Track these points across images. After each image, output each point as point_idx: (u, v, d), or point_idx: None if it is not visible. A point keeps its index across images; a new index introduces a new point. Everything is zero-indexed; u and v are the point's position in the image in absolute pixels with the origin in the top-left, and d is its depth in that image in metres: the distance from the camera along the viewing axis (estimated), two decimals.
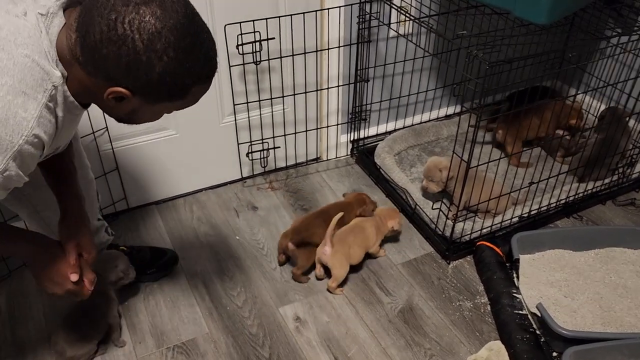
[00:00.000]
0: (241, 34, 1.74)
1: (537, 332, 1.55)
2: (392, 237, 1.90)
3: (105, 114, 1.06)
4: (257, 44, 1.77)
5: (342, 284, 1.71)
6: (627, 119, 2.00)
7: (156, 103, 0.97)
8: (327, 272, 1.71)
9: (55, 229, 1.22)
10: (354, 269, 1.76)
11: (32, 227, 1.45)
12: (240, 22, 1.72)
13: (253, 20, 1.73)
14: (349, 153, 2.30)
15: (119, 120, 1.05)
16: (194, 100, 0.99)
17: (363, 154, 2.24)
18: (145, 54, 0.86)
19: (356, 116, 2.19)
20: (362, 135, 2.26)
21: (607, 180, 2.04)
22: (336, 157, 2.28)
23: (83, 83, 0.94)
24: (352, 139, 2.26)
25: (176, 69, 0.89)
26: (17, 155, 0.90)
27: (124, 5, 0.85)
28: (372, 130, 2.30)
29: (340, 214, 1.68)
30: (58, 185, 1.23)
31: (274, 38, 1.80)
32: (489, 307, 1.66)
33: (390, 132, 2.30)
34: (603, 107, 2.16)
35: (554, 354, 1.51)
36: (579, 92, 2.43)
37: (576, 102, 2.15)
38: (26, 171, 0.96)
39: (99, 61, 0.89)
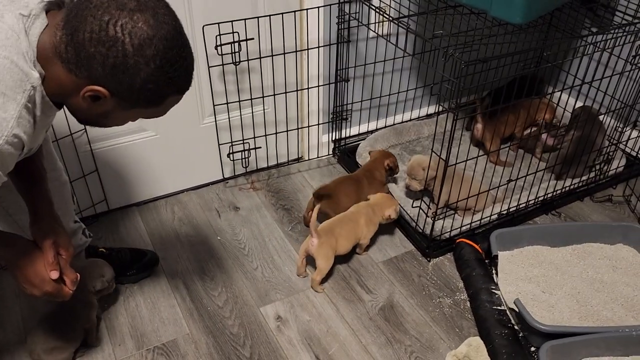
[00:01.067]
0: (220, 35, 1.74)
1: (516, 327, 1.57)
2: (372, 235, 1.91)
3: (71, 115, 1.05)
4: (236, 44, 1.77)
5: (324, 281, 1.72)
6: (602, 117, 2.04)
7: (131, 108, 0.99)
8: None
9: (28, 231, 1.21)
10: (335, 267, 1.77)
11: (5, 230, 1.44)
12: (218, 23, 1.72)
13: (232, 21, 1.73)
14: (330, 152, 2.31)
15: (86, 122, 1.06)
16: (165, 110, 1.03)
17: (345, 154, 2.25)
18: (134, 58, 0.89)
19: (337, 116, 2.20)
20: (343, 135, 2.27)
21: (584, 177, 2.07)
22: (318, 157, 2.29)
23: (61, 81, 0.95)
24: (333, 138, 2.27)
25: (159, 77, 0.93)
26: None
27: (118, 9, 0.88)
28: (354, 130, 2.31)
29: (317, 208, 1.70)
30: (28, 187, 1.22)
31: (253, 38, 1.80)
32: (468, 304, 1.68)
33: (371, 132, 2.31)
34: (579, 105, 2.20)
35: (532, 348, 1.53)
36: (555, 90, 2.47)
37: (544, 99, 2.19)
38: (5, 171, 0.97)
39: (84, 59, 0.90)
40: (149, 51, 0.89)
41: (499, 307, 1.60)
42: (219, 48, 1.75)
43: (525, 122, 2.15)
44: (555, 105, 2.26)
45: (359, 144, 2.22)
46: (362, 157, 2.13)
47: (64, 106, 1.04)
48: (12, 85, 0.90)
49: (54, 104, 1.00)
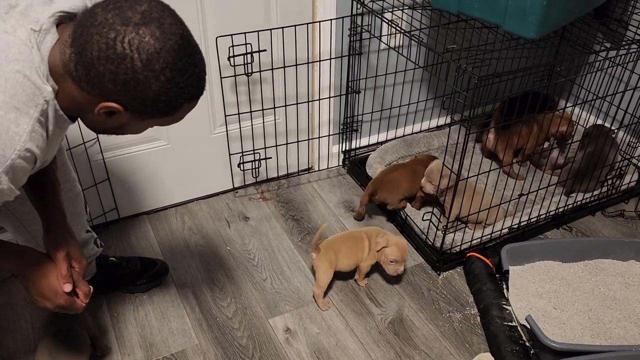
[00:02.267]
0: (233, 46, 1.75)
1: (527, 344, 1.56)
2: None
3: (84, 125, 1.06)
4: (249, 55, 1.78)
5: (327, 292, 1.71)
6: (614, 135, 2.03)
7: (146, 119, 0.99)
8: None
9: (42, 242, 1.21)
10: (345, 279, 1.76)
11: (19, 242, 1.45)
12: (232, 34, 1.73)
13: (245, 33, 1.74)
14: (340, 163, 2.31)
15: (103, 132, 1.06)
16: (181, 117, 1.02)
17: (355, 165, 2.24)
18: (143, 73, 0.88)
19: (347, 127, 2.20)
20: (353, 146, 2.27)
21: (596, 192, 2.05)
22: (328, 168, 2.29)
23: (74, 98, 0.95)
24: (343, 149, 2.27)
25: (171, 88, 0.92)
26: (9, 169, 0.91)
27: (123, 25, 0.86)
28: (364, 141, 2.31)
29: (325, 225, 1.73)
30: (41, 199, 1.23)
31: (265, 50, 1.81)
32: (478, 319, 1.67)
33: (381, 143, 2.31)
34: (593, 119, 2.19)
35: None
36: (568, 104, 2.46)
37: (565, 112, 2.17)
38: (18, 185, 0.97)
39: (94, 78, 0.90)
40: (157, 65, 0.88)
41: (510, 323, 1.59)
42: (231, 59, 1.76)
43: (538, 136, 2.14)
44: (574, 120, 2.24)
45: (369, 154, 2.22)
46: (372, 168, 2.13)
47: (78, 118, 1.04)
48: (25, 99, 0.90)
49: (68, 118, 1.01)
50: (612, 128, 2.06)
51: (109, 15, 0.87)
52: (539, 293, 1.69)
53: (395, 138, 2.33)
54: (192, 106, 1.00)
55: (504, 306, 1.64)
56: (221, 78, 1.82)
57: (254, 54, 1.79)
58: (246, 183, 2.16)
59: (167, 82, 0.90)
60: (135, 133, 1.06)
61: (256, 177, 2.13)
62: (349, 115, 2.17)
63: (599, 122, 2.21)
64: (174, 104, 0.95)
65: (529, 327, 1.52)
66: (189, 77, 0.93)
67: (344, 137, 2.24)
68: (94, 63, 0.88)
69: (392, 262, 1.68)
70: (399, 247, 1.69)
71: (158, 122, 1.01)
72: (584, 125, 2.20)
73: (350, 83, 2.08)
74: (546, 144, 2.21)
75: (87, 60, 0.89)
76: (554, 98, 2.46)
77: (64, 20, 0.97)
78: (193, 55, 0.93)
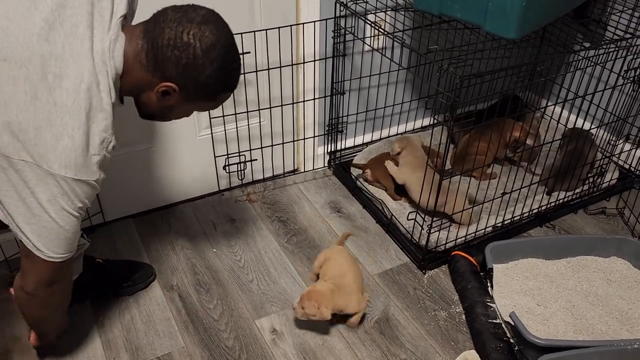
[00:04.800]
0: None
1: (511, 340, 1.57)
2: (368, 248, 1.92)
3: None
4: None
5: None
6: (593, 133, 2.06)
7: (192, 101, 1.18)
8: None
9: None
10: None
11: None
12: None
13: None
14: (326, 165, 2.32)
15: (151, 115, 1.22)
16: (218, 104, 1.25)
17: (340, 166, 2.26)
18: (202, 59, 1.09)
19: (333, 128, 2.21)
20: (339, 147, 2.28)
21: (578, 190, 2.08)
22: (313, 169, 2.30)
23: (138, 80, 1.13)
24: (329, 150, 2.28)
25: (219, 75, 1.13)
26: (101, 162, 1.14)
27: (189, 22, 1.09)
28: (349, 142, 2.32)
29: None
30: None
31: (249, 52, 1.81)
32: (463, 317, 1.68)
33: (367, 144, 2.32)
34: (573, 117, 2.22)
35: None
36: (549, 103, 2.49)
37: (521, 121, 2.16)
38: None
39: (162, 62, 1.09)
40: (213, 54, 1.10)
41: (494, 321, 1.61)
42: None
43: (498, 142, 2.11)
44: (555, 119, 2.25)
45: (356, 155, 2.23)
46: (356, 171, 2.14)
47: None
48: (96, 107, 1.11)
49: (120, 101, 1.16)
50: (590, 129, 2.09)
51: (177, 15, 1.10)
52: (523, 290, 1.71)
53: (380, 139, 2.35)
54: (227, 96, 1.23)
55: (489, 304, 1.66)
56: None
57: None
58: (232, 185, 2.16)
59: (217, 69, 1.12)
60: (178, 117, 1.25)
61: (242, 179, 2.14)
62: (334, 117, 2.18)
63: (580, 120, 2.24)
64: (216, 90, 1.17)
65: (513, 323, 1.54)
66: (232, 70, 1.16)
67: (329, 138, 2.25)
68: (162, 49, 1.08)
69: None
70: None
71: (200, 106, 1.23)
72: (565, 125, 2.23)
73: (334, 84, 2.09)
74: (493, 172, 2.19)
75: (157, 47, 1.09)
76: (523, 100, 2.45)
77: (125, 23, 1.14)
78: (237, 53, 1.17)
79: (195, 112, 1.89)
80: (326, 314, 1.52)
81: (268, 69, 1.92)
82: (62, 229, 1.12)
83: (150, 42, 1.10)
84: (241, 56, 1.76)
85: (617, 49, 1.77)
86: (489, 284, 1.74)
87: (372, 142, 2.33)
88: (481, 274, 1.78)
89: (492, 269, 1.74)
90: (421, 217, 1.81)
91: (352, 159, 2.21)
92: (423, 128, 2.47)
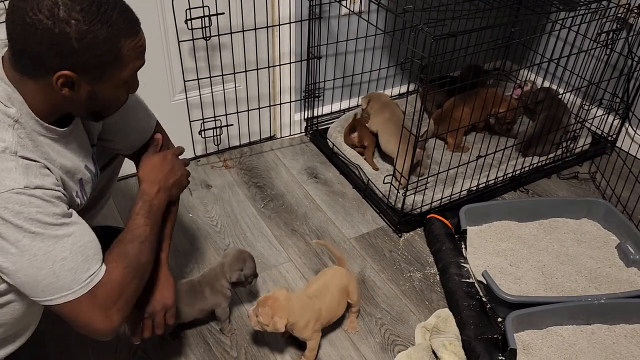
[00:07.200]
0: (189, 9, 1.71)
1: (483, 299, 1.61)
2: (345, 212, 1.93)
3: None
4: (207, 18, 1.75)
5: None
6: (561, 95, 2.08)
7: (102, 76, 0.98)
8: None
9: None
10: (307, 243, 1.78)
11: None
12: None
13: None
14: (303, 131, 2.31)
15: (92, 115, 1.07)
16: (133, 59, 0.99)
17: (317, 133, 2.25)
18: (56, 26, 0.89)
19: (309, 94, 2.20)
20: (316, 114, 2.27)
21: (551, 155, 2.11)
22: (290, 135, 2.28)
23: (41, 94, 0.98)
24: (306, 117, 2.27)
25: (89, 28, 0.91)
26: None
27: (22, 1, 0.90)
28: (327, 109, 2.31)
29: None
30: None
31: (223, 13, 1.78)
32: (438, 277, 1.71)
33: (344, 111, 2.31)
34: (547, 83, 2.23)
35: (499, 319, 1.56)
36: (520, 67, 2.51)
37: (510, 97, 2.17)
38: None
39: (31, 59, 0.93)
40: (61, 12, 0.89)
41: (467, 280, 1.64)
42: (188, 22, 1.73)
43: (481, 112, 2.11)
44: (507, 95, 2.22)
45: (332, 122, 2.22)
46: (333, 137, 2.14)
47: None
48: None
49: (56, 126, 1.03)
50: (563, 94, 2.10)
51: (14, 1, 0.92)
52: (496, 251, 1.75)
53: (357, 106, 2.34)
54: (136, 44, 0.98)
55: (462, 264, 1.69)
56: (179, 42, 1.79)
57: (212, 17, 1.76)
58: (208, 152, 2.15)
59: (80, 23, 0.90)
60: (117, 101, 1.06)
61: (218, 145, 2.12)
62: (310, 82, 2.17)
63: (553, 87, 2.26)
64: (110, 47, 0.94)
65: (485, 282, 1.57)
66: (103, 12, 0.91)
67: (306, 104, 2.23)
68: (22, 47, 0.92)
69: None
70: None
71: (118, 75, 0.99)
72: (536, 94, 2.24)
73: (311, 49, 2.07)
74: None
75: (17, 47, 0.93)
76: (485, 69, 2.44)
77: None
78: None
79: (168, 74, 1.89)
80: (279, 324, 1.33)
81: (243, 31, 1.89)
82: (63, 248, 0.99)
83: (11, 46, 0.94)
84: (215, 17, 1.77)
85: (589, 11, 1.78)
86: (463, 246, 1.77)
87: (349, 109, 2.33)
88: (456, 236, 1.80)
89: (466, 230, 1.77)
90: (397, 180, 1.82)
91: (329, 127, 2.20)
92: (400, 95, 2.46)
